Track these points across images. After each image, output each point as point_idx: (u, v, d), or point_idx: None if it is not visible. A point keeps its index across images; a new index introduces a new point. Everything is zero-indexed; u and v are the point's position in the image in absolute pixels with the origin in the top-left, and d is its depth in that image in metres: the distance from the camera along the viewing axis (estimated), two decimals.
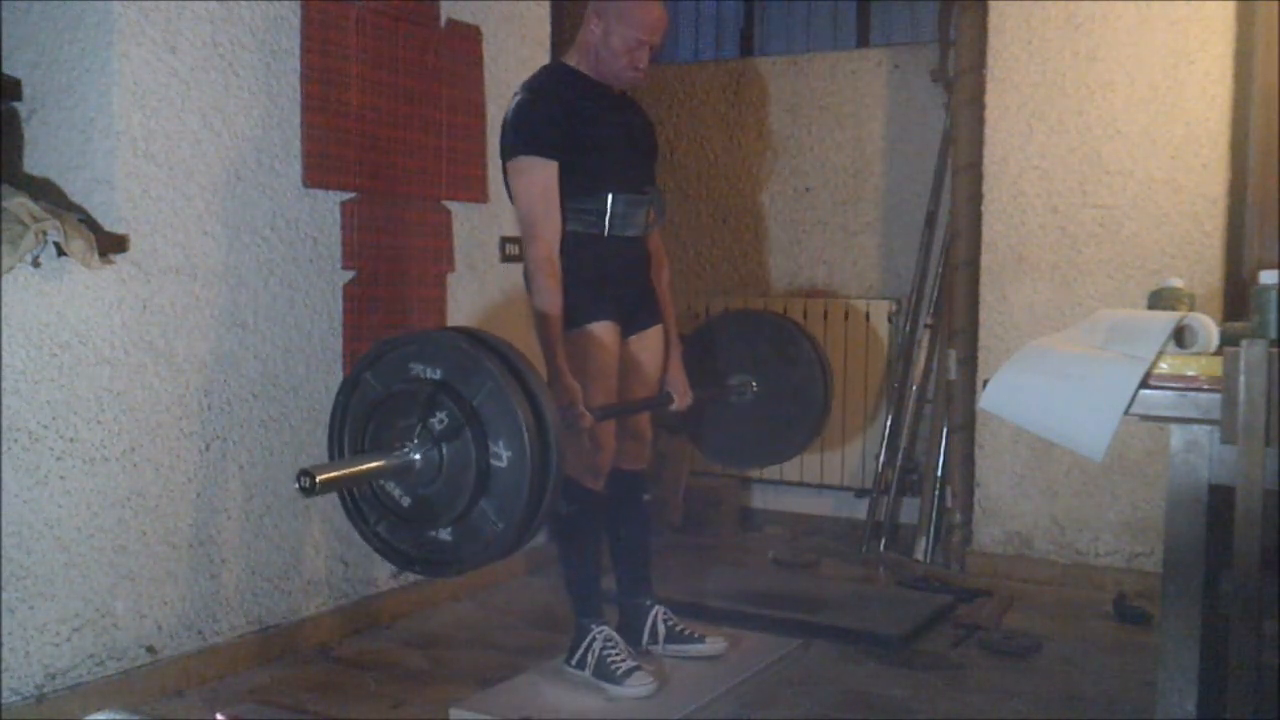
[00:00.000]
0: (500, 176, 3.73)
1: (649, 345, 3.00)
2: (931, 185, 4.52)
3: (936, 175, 4.50)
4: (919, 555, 4.20)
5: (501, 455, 2.17)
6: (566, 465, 2.39)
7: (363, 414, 2.29)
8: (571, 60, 2.90)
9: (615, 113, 2.92)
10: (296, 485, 2.07)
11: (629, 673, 2.80)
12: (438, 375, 2.22)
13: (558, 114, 2.77)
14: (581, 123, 2.81)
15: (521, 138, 2.77)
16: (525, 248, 2.80)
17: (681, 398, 3.07)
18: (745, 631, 3.25)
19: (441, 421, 2.18)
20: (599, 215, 2.83)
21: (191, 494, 2.87)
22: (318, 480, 2.07)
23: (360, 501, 2.34)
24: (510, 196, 2.85)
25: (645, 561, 3.10)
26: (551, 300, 2.74)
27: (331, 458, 2.37)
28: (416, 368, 2.24)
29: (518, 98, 2.82)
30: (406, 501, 2.25)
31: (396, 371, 2.27)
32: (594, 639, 2.85)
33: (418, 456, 2.20)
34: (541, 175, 2.76)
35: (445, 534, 2.24)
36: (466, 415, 2.17)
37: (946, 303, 4.29)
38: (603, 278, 2.85)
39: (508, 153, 2.80)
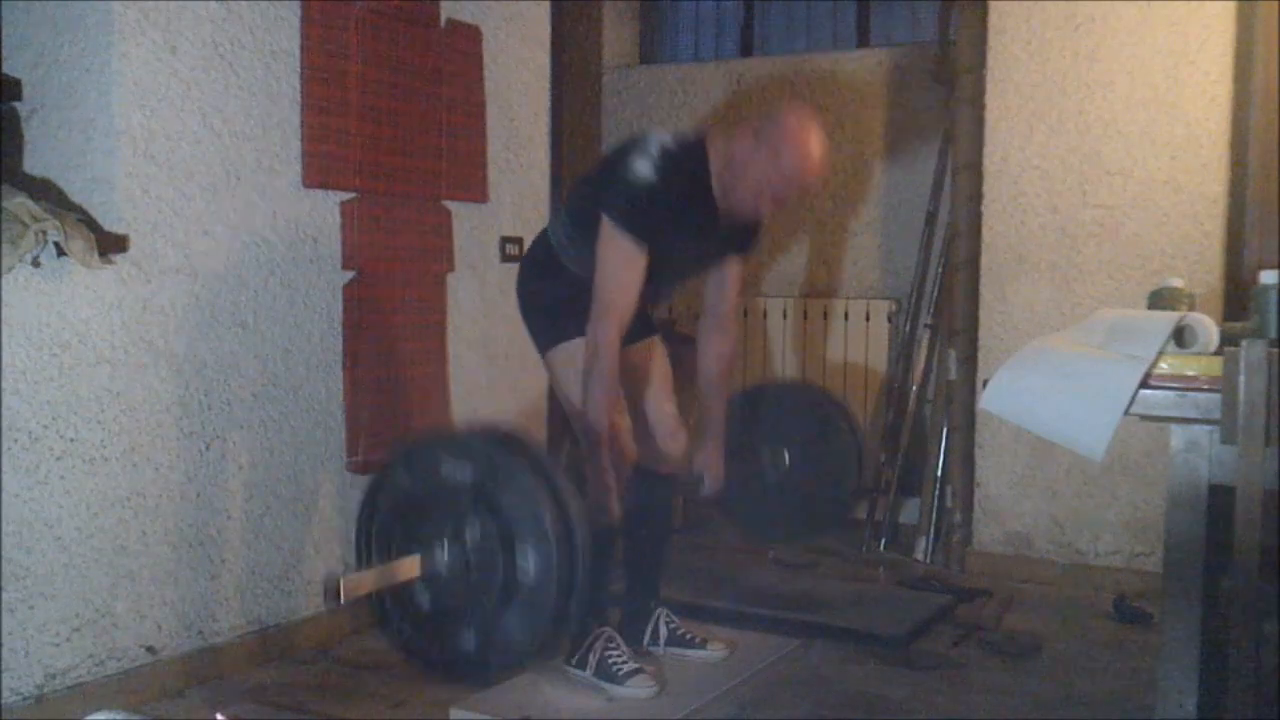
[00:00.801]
0: (500, 177, 3.77)
1: (643, 350, 2.99)
2: (931, 185, 4.52)
3: (936, 175, 4.50)
4: (919, 555, 4.20)
5: (529, 566, 2.15)
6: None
7: (392, 511, 2.28)
8: (713, 154, 2.72)
9: (719, 231, 2.80)
10: (322, 598, 2.05)
11: (631, 674, 2.80)
12: (468, 477, 2.19)
13: (674, 212, 2.67)
14: (684, 231, 2.72)
15: (634, 216, 2.63)
16: (595, 319, 2.65)
17: (714, 481, 3.06)
18: (745, 632, 3.25)
19: (470, 527, 2.16)
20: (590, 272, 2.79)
21: (192, 494, 2.87)
22: (343, 591, 2.06)
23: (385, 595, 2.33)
24: (587, 236, 2.72)
25: (658, 565, 3.11)
26: (607, 388, 2.64)
27: (359, 551, 2.37)
28: (448, 466, 2.22)
29: (649, 166, 2.64)
30: (428, 604, 2.23)
31: (428, 469, 2.24)
32: (596, 639, 2.85)
33: (444, 560, 2.19)
34: (637, 260, 2.64)
35: (468, 640, 2.22)
36: (495, 522, 2.15)
37: (946, 303, 4.29)
38: (580, 301, 2.80)
39: (612, 209, 2.64)
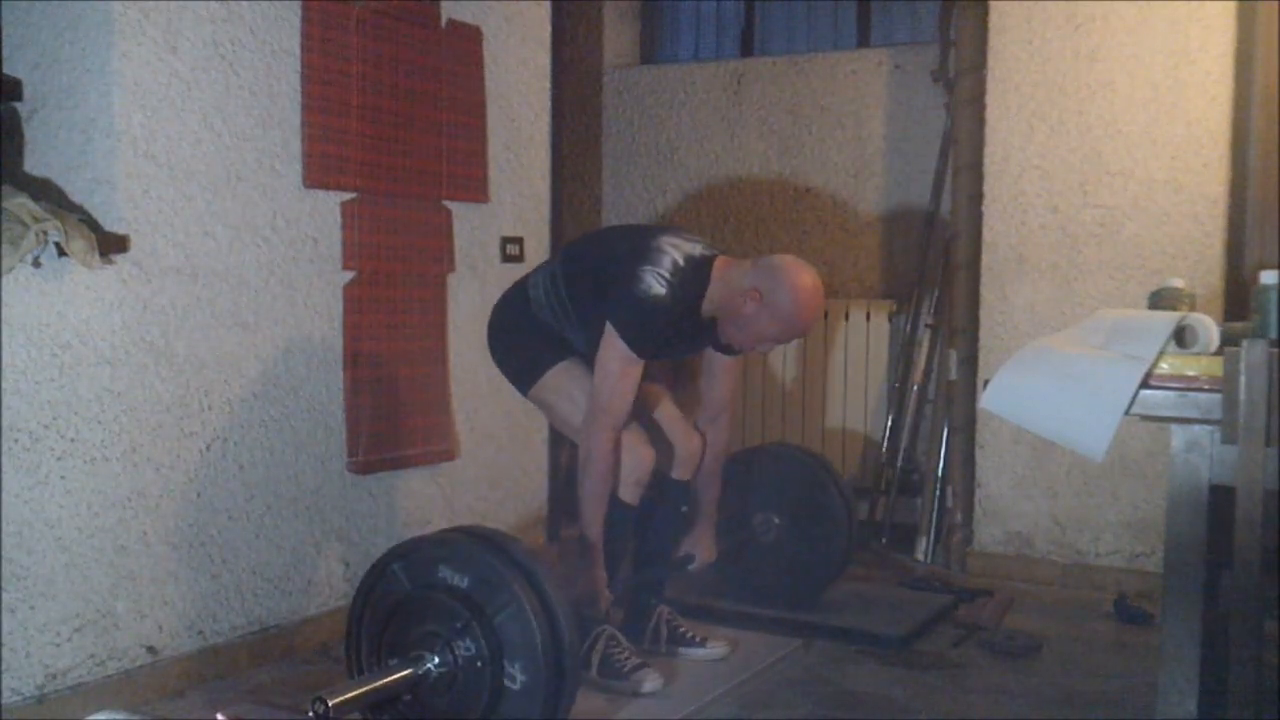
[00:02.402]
0: (500, 177, 3.77)
1: (653, 386, 3.06)
2: (931, 185, 4.52)
3: (937, 175, 4.50)
4: (919, 555, 4.20)
5: (516, 678, 2.19)
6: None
7: (385, 610, 2.32)
8: (716, 278, 2.80)
9: (706, 336, 2.93)
10: (310, 714, 2.06)
11: (635, 670, 2.81)
12: (464, 584, 2.24)
13: (674, 327, 2.77)
14: (678, 340, 2.86)
15: (639, 333, 2.73)
16: (588, 426, 2.79)
17: (704, 559, 3.18)
18: (746, 631, 3.25)
19: (461, 635, 2.21)
20: (576, 336, 2.90)
21: (192, 494, 2.87)
22: (330, 705, 2.07)
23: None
24: (583, 320, 2.87)
25: (663, 566, 3.14)
26: (599, 491, 2.79)
27: (348, 644, 2.39)
28: (444, 572, 2.26)
29: (661, 286, 2.71)
30: (413, 705, 2.26)
31: (425, 572, 2.29)
32: (598, 638, 2.85)
33: (432, 667, 2.22)
34: (635, 370, 2.76)
35: None
36: (486, 632, 2.19)
37: (947, 303, 4.29)
38: (554, 340, 2.95)
39: (619, 323, 2.73)
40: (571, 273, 2.90)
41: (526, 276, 3.07)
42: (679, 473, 3.08)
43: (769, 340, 2.80)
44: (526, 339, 2.99)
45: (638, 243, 2.82)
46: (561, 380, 2.93)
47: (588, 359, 2.86)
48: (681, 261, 2.77)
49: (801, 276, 2.74)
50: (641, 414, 2.98)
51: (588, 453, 2.79)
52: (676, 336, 2.84)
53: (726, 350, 3.00)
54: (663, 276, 2.73)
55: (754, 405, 4.72)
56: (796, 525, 3.43)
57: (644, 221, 5.20)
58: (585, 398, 2.85)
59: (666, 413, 3.07)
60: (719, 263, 2.83)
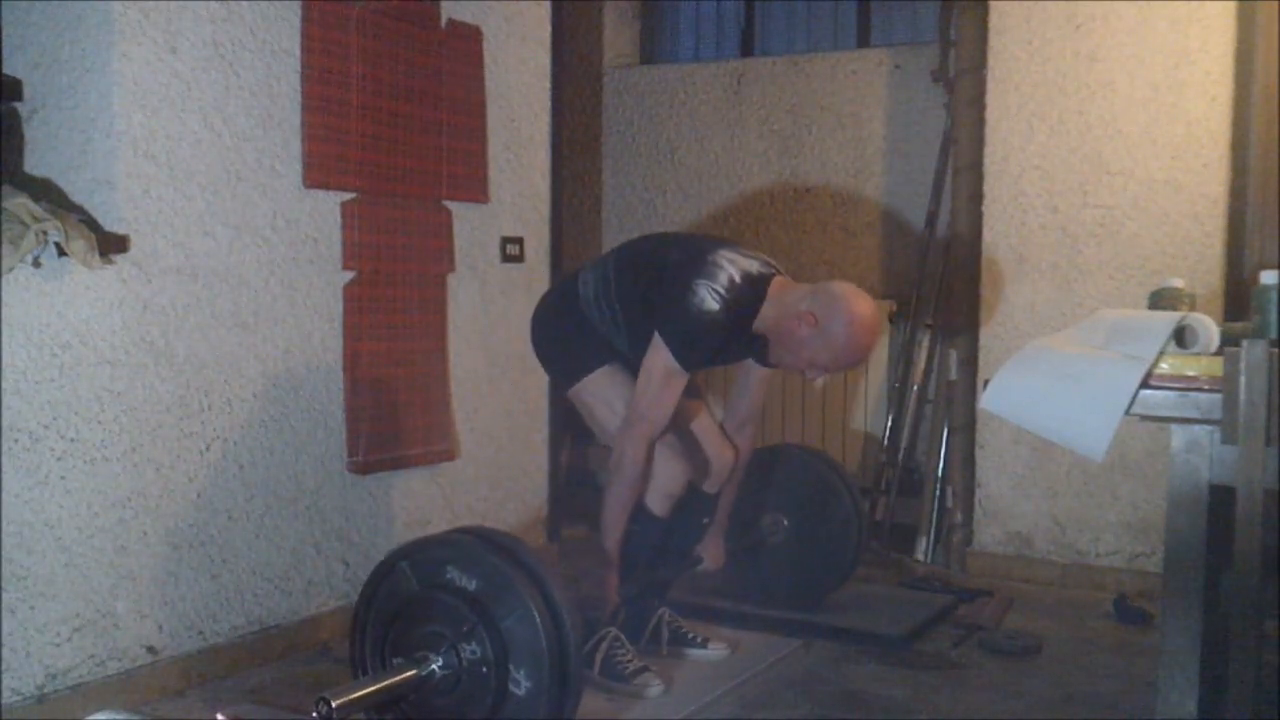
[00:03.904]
0: (500, 177, 3.77)
1: (691, 401, 3.04)
2: (931, 185, 4.52)
3: (937, 175, 4.50)
4: (919, 555, 4.20)
5: (521, 683, 2.18)
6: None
7: (391, 609, 2.31)
8: (772, 299, 2.74)
9: (741, 354, 2.92)
10: (314, 714, 2.05)
11: (637, 673, 2.81)
12: (472, 586, 2.23)
13: (723, 343, 2.75)
14: (725, 354, 2.84)
15: (688, 347, 2.69)
16: (625, 431, 2.76)
17: (714, 563, 3.18)
18: (746, 631, 3.25)
19: (467, 638, 2.20)
20: (621, 340, 2.88)
21: (192, 494, 2.87)
22: (334, 705, 2.07)
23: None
24: (630, 325, 2.84)
25: (674, 573, 3.14)
26: (626, 498, 2.78)
27: (353, 640, 2.39)
28: (452, 573, 2.26)
29: (716, 303, 2.67)
30: (416, 706, 2.26)
31: (432, 571, 2.28)
32: (601, 639, 2.85)
33: (436, 668, 2.22)
34: (679, 382, 2.72)
35: None
36: (492, 636, 2.18)
37: (947, 303, 4.29)
38: (600, 341, 2.92)
39: (669, 335, 2.69)
40: (625, 276, 2.85)
41: (577, 271, 3.01)
42: (710, 485, 3.07)
43: (820, 367, 2.71)
44: (572, 336, 2.94)
45: (696, 254, 2.76)
46: (603, 385, 2.90)
47: (632, 365, 2.83)
48: (738, 278, 2.72)
49: (860, 306, 2.67)
50: (677, 426, 2.96)
51: (620, 457, 2.75)
52: (724, 351, 2.81)
53: (766, 362, 2.95)
54: (718, 292, 2.68)
55: None
56: (806, 527, 3.43)
57: (644, 221, 5.21)
58: (625, 406, 2.82)
59: (703, 425, 3.05)
60: (776, 282, 2.78)
